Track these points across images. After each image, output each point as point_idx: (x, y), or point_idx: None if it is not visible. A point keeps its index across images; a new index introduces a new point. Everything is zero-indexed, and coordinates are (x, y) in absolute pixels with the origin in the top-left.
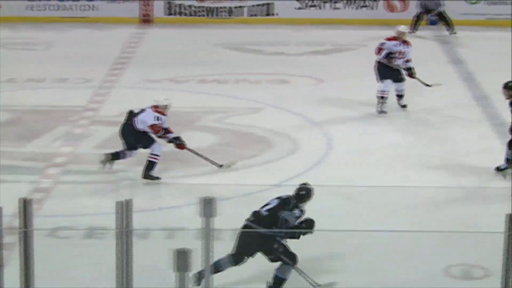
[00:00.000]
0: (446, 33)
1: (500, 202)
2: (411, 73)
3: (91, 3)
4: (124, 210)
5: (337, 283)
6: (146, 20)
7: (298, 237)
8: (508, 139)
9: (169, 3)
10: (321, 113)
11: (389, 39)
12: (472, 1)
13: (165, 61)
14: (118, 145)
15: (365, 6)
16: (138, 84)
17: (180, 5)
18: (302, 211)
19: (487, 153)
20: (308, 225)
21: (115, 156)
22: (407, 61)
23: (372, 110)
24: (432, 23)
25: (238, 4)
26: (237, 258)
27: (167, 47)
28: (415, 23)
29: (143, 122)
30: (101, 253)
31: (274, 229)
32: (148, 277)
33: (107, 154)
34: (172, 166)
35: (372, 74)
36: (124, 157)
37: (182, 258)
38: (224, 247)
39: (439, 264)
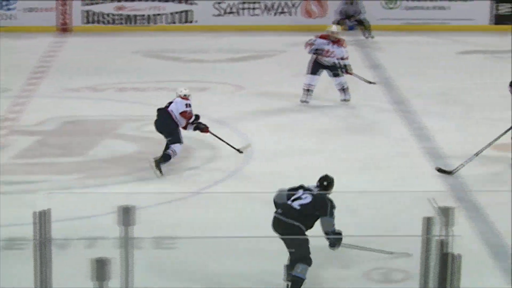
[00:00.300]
0: (363, 38)
1: (417, 205)
2: (346, 70)
3: (8, 13)
4: (42, 220)
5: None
6: (64, 29)
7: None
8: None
9: (87, 11)
10: (240, 120)
11: (321, 37)
12: (390, 6)
13: (84, 69)
14: (37, 154)
15: (283, 12)
16: (57, 93)
17: (98, 14)
18: (334, 207)
19: (404, 157)
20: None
21: (166, 158)
22: (342, 58)
23: (293, 116)
24: (350, 28)
25: (157, 11)
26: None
27: (85, 55)
28: None
29: (176, 110)
30: (22, 264)
31: (305, 225)
32: (68, 286)
33: (156, 160)
34: (92, 175)
35: (292, 80)
36: (170, 154)
37: (100, 267)
38: (144, 256)
39: (360, 268)
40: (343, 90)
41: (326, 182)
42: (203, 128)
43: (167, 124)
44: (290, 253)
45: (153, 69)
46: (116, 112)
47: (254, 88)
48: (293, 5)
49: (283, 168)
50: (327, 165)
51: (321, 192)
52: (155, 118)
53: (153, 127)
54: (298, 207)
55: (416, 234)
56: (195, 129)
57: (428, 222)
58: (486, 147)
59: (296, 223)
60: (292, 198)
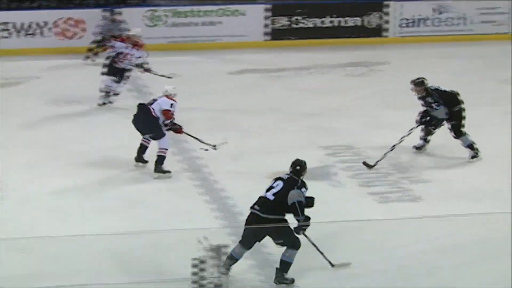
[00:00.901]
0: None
1: (187, 245)
2: (142, 67)
3: None
4: None
5: (350, 263)
6: None
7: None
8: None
9: None
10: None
11: (121, 39)
12: (155, 23)
13: None
14: None
15: (34, 34)
16: None
17: None
18: (306, 188)
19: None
20: (310, 203)
21: (142, 150)
22: (140, 57)
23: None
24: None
25: None
26: (246, 243)
27: None
28: (92, 50)
29: (159, 107)
30: None
31: (283, 211)
32: None
33: (138, 161)
34: None
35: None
36: (146, 145)
37: None
38: None
39: None
40: (110, 95)
41: (298, 167)
42: (178, 129)
43: (146, 120)
44: (279, 244)
45: None
46: None
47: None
48: (46, 25)
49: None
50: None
51: (293, 176)
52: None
53: None
54: (272, 197)
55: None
56: (169, 129)
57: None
58: (400, 141)
59: (275, 217)
60: (266, 189)
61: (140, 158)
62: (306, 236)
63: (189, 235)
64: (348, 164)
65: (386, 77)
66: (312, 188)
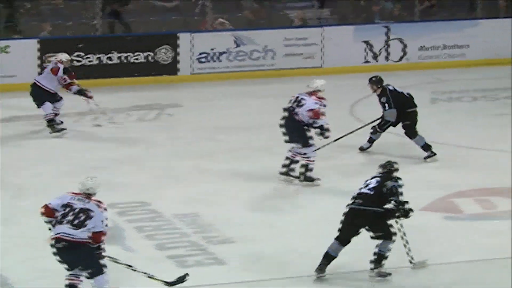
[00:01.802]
0: None
1: None
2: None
3: None
4: None
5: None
6: None
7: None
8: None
9: None
10: None
11: (61, 62)
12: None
13: None
14: None
15: None
16: None
17: None
18: (402, 183)
19: None
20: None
21: (289, 164)
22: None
23: None
24: None
25: None
26: (343, 239)
27: None
28: None
29: (306, 109)
30: None
31: (381, 203)
32: None
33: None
34: None
35: None
36: (293, 158)
37: None
38: None
39: None
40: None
41: (389, 168)
42: (86, 94)
43: (293, 126)
44: (377, 236)
45: None
46: None
47: None
48: None
49: None
50: None
51: (387, 172)
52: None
53: None
54: (370, 191)
55: None
56: (76, 92)
57: None
58: (344, 136)
59: (375, 209)
60: (360, 187)
61: (288, 172)
62: (399, 223)
63: None
64: (139, 224)
65: (177, 122)
66: None
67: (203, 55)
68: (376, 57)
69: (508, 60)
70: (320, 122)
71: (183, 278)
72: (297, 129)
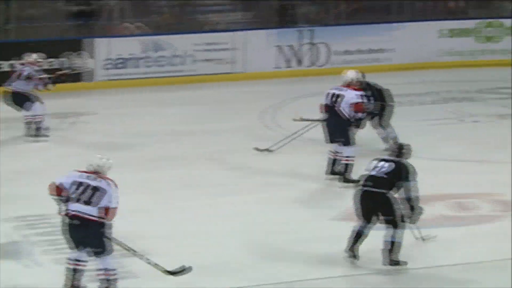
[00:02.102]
0: None
1: None
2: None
3: None
4: None
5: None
6: None
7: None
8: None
9: None
10: None
11: (30, 63)
12: None
13: None
14: None
15: None
16: None
17: None
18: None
19: None
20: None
21: (333, 163)
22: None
23: None
24: None
25: None
26: (366, 217)
27: None
28: None
29: (347, 102)
30: None
31: (392, 187)
32: None
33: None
34: None
35: None
36: (334, 158)
37: None
38: None
39: None
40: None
41: (404, 150)
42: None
43: (337, 123)
44: (387, 221)
45: None
46: None
47: None
48: None
49: None
50: None
51: (401, 162)
52: None
53: None
54: (384, 176)
55: None
56: (54, 82)
57: None
58: (301, 132)
59: (387, 191)
60: (371, 168)
61: (333, 170)
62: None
63: None
64: (46, 237)
65: (89, 131)
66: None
67: (114, 61)
68: (299, 61)
69: (435, 64)
70: (360, 115)
71: (185, 269)
72: (339, 127)
